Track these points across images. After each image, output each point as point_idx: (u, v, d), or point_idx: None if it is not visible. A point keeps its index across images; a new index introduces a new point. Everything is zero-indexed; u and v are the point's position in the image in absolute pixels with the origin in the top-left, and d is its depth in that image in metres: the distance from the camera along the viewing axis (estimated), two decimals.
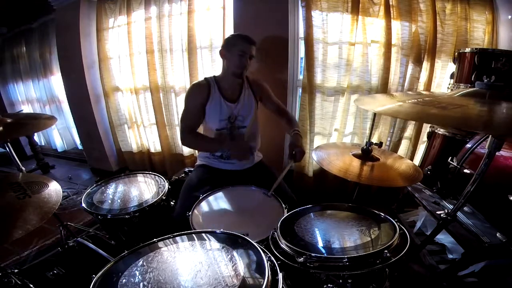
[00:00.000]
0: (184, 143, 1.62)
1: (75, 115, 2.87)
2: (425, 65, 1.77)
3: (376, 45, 1.79)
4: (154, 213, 1.25)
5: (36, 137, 3.44)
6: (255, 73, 1.90)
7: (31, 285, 1.13)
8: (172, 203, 1.42)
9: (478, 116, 0.72)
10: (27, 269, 1.53)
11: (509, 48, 1.58)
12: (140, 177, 1.47)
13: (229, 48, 1.44)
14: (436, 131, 1.62)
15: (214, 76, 1.54)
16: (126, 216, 1.18)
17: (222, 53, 1.47)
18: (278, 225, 0.95)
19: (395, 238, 0.85)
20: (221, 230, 0.85)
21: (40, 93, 3.45)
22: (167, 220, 1.31)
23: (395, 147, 1.97)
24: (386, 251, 0.78)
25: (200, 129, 1.60)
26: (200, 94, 1.47)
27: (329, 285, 0.82)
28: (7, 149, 1.34)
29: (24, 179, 1.10)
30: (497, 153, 0.83)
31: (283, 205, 1.17)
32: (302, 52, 1.97)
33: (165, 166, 2.64)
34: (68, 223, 1.47)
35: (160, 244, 0.81)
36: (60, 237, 1.42)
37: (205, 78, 1.53)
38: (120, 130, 2.68)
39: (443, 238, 1.44)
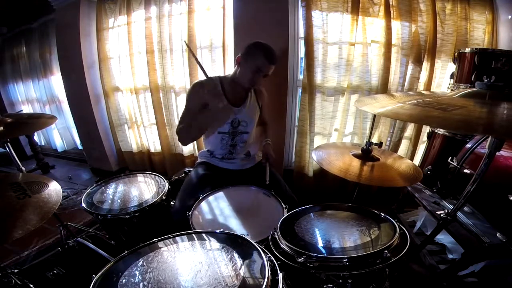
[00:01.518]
0: (181, 138, 1.49)
1: (75, 115, 2.88)
2: (425, 65, 1.77)
3: (376, 45, 1.79)
4: (154, 213, 1.25)
5: (36, 137, 3.43)
6: None
7: (31, 285, 1.13)
8: (172, 203, 1.41)
9: (478, 118, 0.71)
10: (27, 269, 1.53)
11: (509, 48, 1.59)
12: (140, 177, 1.47)
13: (247, 58, 1.34)
14: (436, 131, 1.62)
15: (220, 76, 1.48)
16: (126, 216, 1.18)
17: (238, 60, 1.37)
18: (278, 225, 0.95)
19: (395, 238, 0.85)
20: (221, 230, 0.85)
21: (40, 93, 3.45)
22: (167, 220, 1.31)
23: (395, 147, 1.97)
24: (386, 251, 0.78)
25: None
26: (202, 94, 1.41)
27: (329, 285, 0.82)
28: (7, 149, 1.34)
29: (24, 179, 1.10)
30: (497, 153, 0.83)
31: (283, 205, 1.17)
32: (302, 52, 1.98)
33: (165, 166, 2.64)
34: (68, 223, 1.47)
35: (160, 244, 0.81)
36: (60, 237, 1.42)
37: (209, 77, 1.44)
38: (120, 130, 2.68)
39: (443, 238, 1.44)
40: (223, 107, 1.34)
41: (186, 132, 1.45)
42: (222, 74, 1.54)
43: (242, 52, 1.37)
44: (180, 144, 2.48)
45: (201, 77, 2.13)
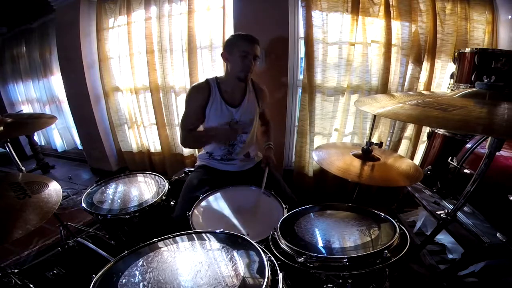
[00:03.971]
0: (185, 144, 1.60)
1: (75, 115, 2.88)
2: (425, 65, 1.77)
3: (376, 45, 1.79)
4: (154, 213, 1.25)
5: (36, 137, 3.43)
6: (257, 75, 1.90)
7: (31, 285, 1.13)
8: (172, 203, 1.42)
9: (478, 118, 0.72)
10: (27, 269, 1.53)
11: (509, 48, 1.59)
12: (140, 177, 1.47)
13: (230, 49, 1.35)
14: (436, 131, 1.62)
15: (216, 77, 1.48)
16: (126, 216, 1.18)
17: (224, 56, 1.39)
18: (278, 225, 0.95)
19: (395, 238, 0.85)
20: (221, 230, 0.85)
21: (40, 93, 3.45)
22: (167, 220, 1.31)
23: (395, 147, 1.97)
24: (386, 251, 0.78)
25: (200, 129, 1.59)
26: (200, 96, 1.43)
27: (329, 285, 0.82)
28: (7, 149, 1.34)
29: (24, 179, 1.10)
30: (497, 153, 0.83)
31: (283, 205, 1.17)
32: (302, 52, 1.98)
33: (165, 166, 2.64)
34: (68, 223, 1.47)
35: (160, 244, 0.81)
36: (60, 237, 1.42)
37: (206, 80, 1.47)
38: (120, 130, 2.68)
39: (443, 238, 1.44)
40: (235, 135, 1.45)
41: (191, 142, 1.55)
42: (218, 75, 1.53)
43: (223, 47, 1.42)
44: (180, 144, 2.48)
45: (201, 77, 2.14)
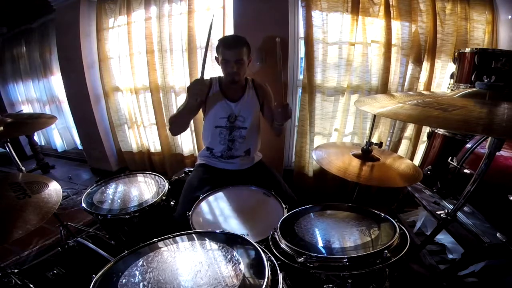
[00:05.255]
0: (172, 128, 1.55)
1: (75, 115, 2.87)
2: (425, 65, 1.77)
3: (376, 45, 1.79)
4: (154, 213, 1.25)
5: (36, 137, 3.43)
6: (257, 74, 1.90)
7: (31, 285, 1.13)
8: (172, 203, 1.42)
9: (478, 119, 0.71)
10: (27, 269, 1.53)
11: (509, 48, 1.59)
12: (140, 177, 1.47)
13: (217, 56, 1.44)
14: (436, 131, 1.62)
15: (219, 76, 1.55)
16: (126, 216, 1.18)
17: (216, 60, 1.47)
18: (278, 225, 0.95)
19: (395, 238, 0.85)
20: (221, 230, 0.85)
21: (40, 93, 3.45)
22: (167, 220, 1.31)
23: (395, 147, 1.97)
24: (386, 251, 0.78)
25: (200, 127, 1.60)
26: (199, 86, 1.42)
27: (329, 285, 0.82)
28: (7, 149, 1.34)
29: (24, 179, 1.11)
30: (497, 153, 0.83)
31: (283, 205, 1.17)
32: (302, 52, 1.98)
33: (165, 166, 2.64)
34: (68, 223, 1.47)
35: (160, 244, 0.81)
36: (60, 237, 1.42)
37: (210, 78, 1.55)
38: (120, 130, 2.68)
39: (443, 238, 1.44)
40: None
41: (176, 122, 1.49)
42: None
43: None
44: (180, 144, 2.48)
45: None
